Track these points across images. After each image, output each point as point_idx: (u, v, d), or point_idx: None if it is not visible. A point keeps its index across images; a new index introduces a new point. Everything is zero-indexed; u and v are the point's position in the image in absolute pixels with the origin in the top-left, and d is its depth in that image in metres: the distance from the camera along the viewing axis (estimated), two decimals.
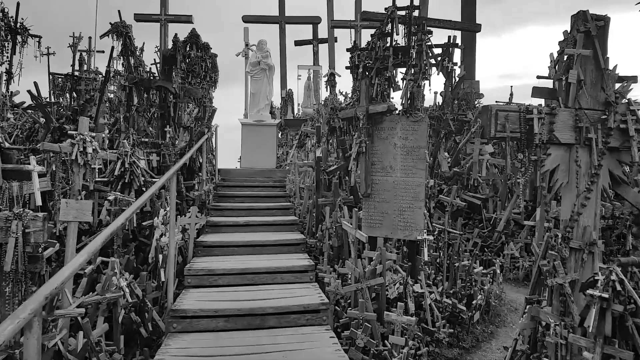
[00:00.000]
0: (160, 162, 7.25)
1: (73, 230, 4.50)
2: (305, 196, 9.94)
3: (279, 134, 16.59)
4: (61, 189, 4.41)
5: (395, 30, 6.06)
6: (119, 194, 5.44)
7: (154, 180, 6.25)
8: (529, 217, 9.34)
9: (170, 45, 15.06)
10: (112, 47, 7.82)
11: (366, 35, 18.05)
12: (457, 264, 6.58)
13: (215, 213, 8.71)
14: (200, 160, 8.43)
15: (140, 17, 15.97)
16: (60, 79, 11.72)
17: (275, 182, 11.13)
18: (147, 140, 7.56)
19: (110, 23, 7.75)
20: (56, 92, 11.89)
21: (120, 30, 7.62)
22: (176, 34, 7.59)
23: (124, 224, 4.79)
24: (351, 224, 5.78)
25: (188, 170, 8.65)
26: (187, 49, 13.06)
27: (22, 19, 11.81)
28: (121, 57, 7.83)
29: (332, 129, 7.93)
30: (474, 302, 6.06)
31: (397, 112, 5.92)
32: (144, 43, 13.42)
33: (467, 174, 8.92)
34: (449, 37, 8.87)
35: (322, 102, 16.49)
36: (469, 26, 9.54)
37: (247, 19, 19.00)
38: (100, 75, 11.22)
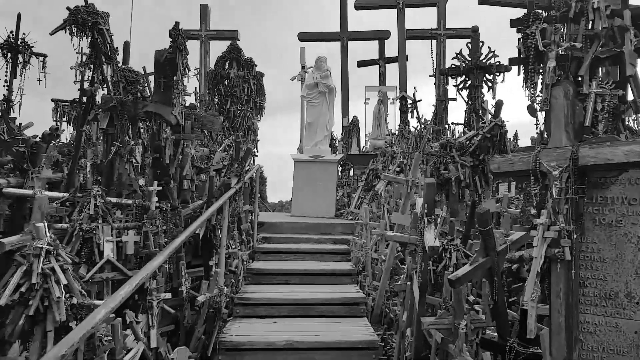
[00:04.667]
0: (141, 244, 4.12)
1: None
2: (383, 278, 6.46)
3: (339, 172, 13.34)
4: None
5: None
6: None
7: (96, 304, 3.04)
8: None
9: (211, 61, 12.29)
10: (90, 54, 4.90)
11: (451, 46, 14.50)
12: None
13: (243, 311, 5.45)
14: (220, 230, 5.21)
15: None
16: (65, 107, 9.22)
17: (336, 245, 7.96)
18: (130, 202, 4.47)
19: (67, 8, 4.83)
20: (61, 122, 9.39)
21: (82, 20, 4.66)
22: (177, 22, 4.58)
23: None
24: None
25: (204, 242, 5.48)
26: (227, 66, 10.33)
27: (24, 34, 9.52)
28: (90, 66, 4.91)
29: (443, 182, 4.50)
30: None
31: None
32: None
33: None
34: None
35: (397, 132, 13.08)
36: None
37: (303, 37, 16.23)
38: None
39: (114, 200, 4.46)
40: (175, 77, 4.48)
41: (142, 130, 4.92)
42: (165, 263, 4.39)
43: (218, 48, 13.85)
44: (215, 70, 10.01)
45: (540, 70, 2.88)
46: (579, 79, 2.64)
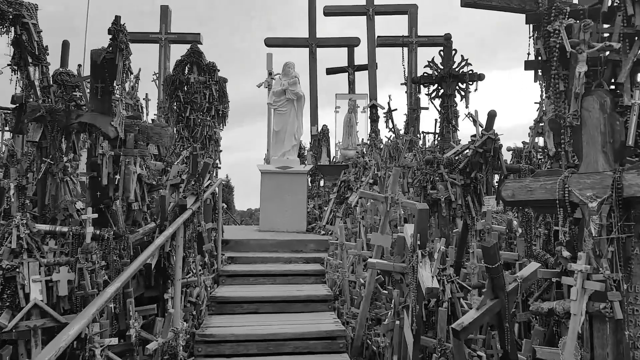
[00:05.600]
0: (76, 283, 3.38)
1: None
2: (363, 305, 5.89)
3: (309, 183, 12.84)
4: None
5: None
6: None
7: None
8: None
9: (171, 65, 11.44)
10: (13, 54, 4.08)
11: (423, 54, 14.23)
12: None
13: (205, 349, 4.76)
14: (174, 258, 4.49)
15: (135, 37, 12.67)
16: (8, 114, 8.23)
17: (308, 264, 7.47)
18: (65, 230, 3.71)
19: None
20: (4, 131, 8.40)
21: (0, 11, 3.85)
22: (118, 17, 3.88)
23: None
24: None
25: (158, 271, 4.74)
26: (186, 71, 9.57)
27: None
28: (15, 68, 4.11)
29: (432, 203, 4.00)
30: None
31: None
32: (139, 70, 9.97)
33: None
34: None
35: (368, 142, 12.63)
36: None
37: (270, 42, 15.67)
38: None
39: (45, 228, 3.70)
40: (115, 82, 3.77)
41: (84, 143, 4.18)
42: (109, 302, 3.67)
43: (179, 52, 13.06)
44: (174, 75, 9.24)
45: (563, 76, 2.40)
46: (612, 87, 2.17)
